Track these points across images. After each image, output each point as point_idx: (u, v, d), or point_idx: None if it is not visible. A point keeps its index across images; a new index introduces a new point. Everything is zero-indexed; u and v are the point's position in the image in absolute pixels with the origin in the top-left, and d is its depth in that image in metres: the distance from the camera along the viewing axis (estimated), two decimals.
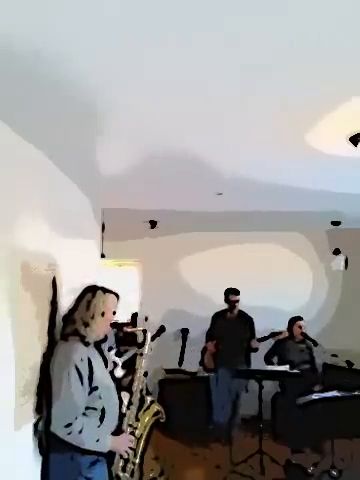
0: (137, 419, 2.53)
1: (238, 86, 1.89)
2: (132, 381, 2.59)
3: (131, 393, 2.54)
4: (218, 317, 5.38)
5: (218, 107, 2.11)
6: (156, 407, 2.63)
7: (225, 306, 5.30)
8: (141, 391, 2.59)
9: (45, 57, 1.61)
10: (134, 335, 3.61)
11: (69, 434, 2.19)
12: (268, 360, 5.20)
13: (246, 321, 5.26)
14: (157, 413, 2.62)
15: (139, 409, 2.56)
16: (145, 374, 2.65)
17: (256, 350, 5.08)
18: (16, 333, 2.16)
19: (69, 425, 2.19)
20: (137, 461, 2.47)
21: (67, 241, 3.13)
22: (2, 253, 2.07)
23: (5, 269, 2.09)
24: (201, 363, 5.33)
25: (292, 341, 5.21)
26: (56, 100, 2.00)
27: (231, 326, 5.19)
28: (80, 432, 2.20)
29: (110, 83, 1.85)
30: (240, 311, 5.29)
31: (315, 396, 4.01)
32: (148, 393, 2.87)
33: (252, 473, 3.97)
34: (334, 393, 3.94)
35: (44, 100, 1.99)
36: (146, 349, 2.64)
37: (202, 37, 1.51)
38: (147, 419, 2.57)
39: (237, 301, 5.22)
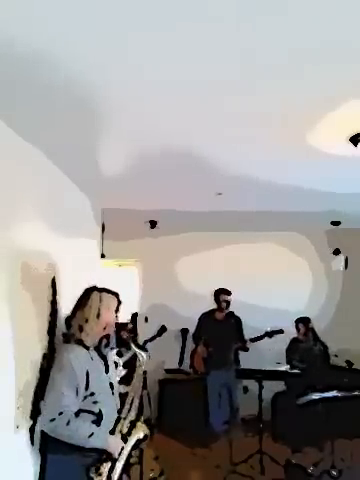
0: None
1: (238, 86, 1.89)
2: (129, 390, 2.52)
3: (123, 404, 2.44)
4: (205, 318, 5.29)
5: (218, 107, 2.11)
6: (144, 430, 2.44)
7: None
8: (134, 404, 2.46)
9: (45, 57, 1.61)
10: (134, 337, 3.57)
11: (56, 428, 2.13)
12: (291, 361, 4.94)
13: (234, 321, 5.18)
14: (145, 438, 2.43)
15: (132, 424, 2.41)
16: (144, 386, 2.50)
17: (247, 350, 5.02)
18: (16, 333, 2.16)
19: (53, 420, 2.12)
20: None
21: (67, 241, 3.13)
22: (2, 253, 2.07)
23: (5, 269, 2.09)
24: (191, 366, 5.28)
25: (297, 341, 5.22)
26: (56, 100, 2.00)
27: (219, 327, 5.12)
28: (67, 424, 2.12)
29: (110, 83, 1.86)
30: (228, 311, 5.19)
31: (315, 396, 4.00)
32: (141, 413, 2.71)
33: (252, 473, 3.96)
34: (334, 393, 3.93)
35: (44, 100, 1.99)
36: (143, 368, 2.53)
37: (202, 37, 1.51)
38: (133, 440, 2.39)
39: (228, 302, 5.12)
